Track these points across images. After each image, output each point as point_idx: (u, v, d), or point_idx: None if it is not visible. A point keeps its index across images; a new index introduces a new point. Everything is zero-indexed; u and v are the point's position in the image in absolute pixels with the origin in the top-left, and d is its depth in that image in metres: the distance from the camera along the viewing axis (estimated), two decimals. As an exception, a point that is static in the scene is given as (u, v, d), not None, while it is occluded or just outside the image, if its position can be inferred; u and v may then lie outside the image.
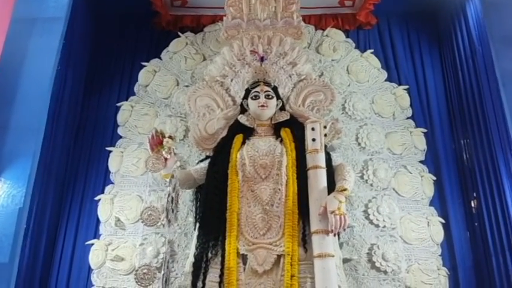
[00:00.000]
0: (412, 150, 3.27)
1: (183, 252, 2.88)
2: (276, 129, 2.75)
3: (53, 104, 2.88)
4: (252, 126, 2.75)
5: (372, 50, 3.53)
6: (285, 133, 2.67)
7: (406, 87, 3.44)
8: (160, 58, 3.44)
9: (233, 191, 2.50)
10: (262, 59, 2.84)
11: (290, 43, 2.92)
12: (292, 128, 2.71)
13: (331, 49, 3.50)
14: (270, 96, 2.75)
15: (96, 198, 3.09)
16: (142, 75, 3.38)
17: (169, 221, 2.41)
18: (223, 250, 2.39)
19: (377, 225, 3.00)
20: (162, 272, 2.26)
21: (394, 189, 3.13)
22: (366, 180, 3.13)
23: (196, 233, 2.55)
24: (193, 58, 3.42)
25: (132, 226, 2.99)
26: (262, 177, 2.52)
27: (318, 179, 2.41)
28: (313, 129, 2.54)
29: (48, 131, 2.80)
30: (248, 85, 2.83)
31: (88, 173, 3.22)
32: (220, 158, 2.66)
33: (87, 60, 3.46)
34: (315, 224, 2.29)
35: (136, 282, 2.25)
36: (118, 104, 3.34)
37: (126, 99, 3.35)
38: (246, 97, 2.82)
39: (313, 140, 2.51)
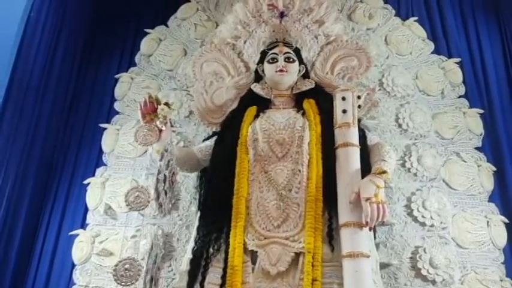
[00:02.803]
0: (466, 134, 2.67)
1: (183, 248, 2.39)
2: (298, 100, 2.26)
3: (37, 73, 2.48)
4: (268, 97, 2.27)
5: (416, 18, 2.97)
6: (309, 104, 2.18)
7: (458, 60, 2.85)
8: (166, 25, 3.00)
9: (242, 172, 2.03)
10: (282, 15, 2.34)
11: (317, -3, 2.41)
12: (318, 99, 2.21)
13: (367, 16, 2.95)
14: (291, 60, 2.26)
15: (85, 182, 2.65)
16: (145, 43, 2.94)
17: (160, 206, 1.93)
18: (228, 245, 1.92)
19: (423, 224, 2.41)
20: (145, 267, 1.77)
21: (444, 180, 2.54)
22: (409, 169, 2.55)
23: (196, 223, 2.10)
24: (205, 26, 2.95)
25: (124, 215, 2.51)
26: (279, 155, 2.04)
27: (350, 159, 1.92)
28: (343, 98, 2.06)
29: (29, 103, 2.39)
30: (264, 46, 2.34)
31: (79, 153, 2.79)
32: (228, 133, 2.19)
33: (86, 25, 3.05)
34: (344, 215, 1.81)
35: (115, 280, 1.76)
36: (116, 76, 2.91)
37: (127, 71, 2.92)
38: (261, 61, 2.33)
39: (344, 111, 2.04)
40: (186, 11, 3.00)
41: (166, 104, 2.08)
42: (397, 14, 3.00)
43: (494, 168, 2.58)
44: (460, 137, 2.67)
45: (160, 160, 1.95)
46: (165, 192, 1.96)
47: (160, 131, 2.04)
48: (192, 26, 2.96)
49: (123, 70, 2.94)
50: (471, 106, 2.75)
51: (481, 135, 2.67)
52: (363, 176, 1.88)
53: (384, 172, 1.90)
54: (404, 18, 2.98)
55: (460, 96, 2.78)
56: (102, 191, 2.59)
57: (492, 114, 2.73)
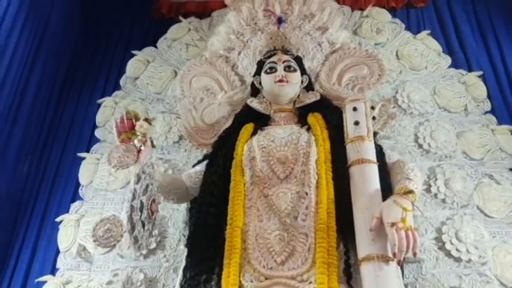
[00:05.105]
0: (497, 154, 2.34)
1: (170, 295, 2.00)
2: (301, 115, 1.95)
3: (9, 96, 2.20)
4: (266, 113, 1.96)
5: (429, 31, 2.71)
6: (314, 118, 1.87)
7: (480, 73, 2.57)
8: (155, 46, 2.75)
9: (236, 198, 1.69)
10: (280, 21, 2.09)
11: (318, 2, 2.18)
12: (324, 112, 1.90)
13: (374, 31, 2.71)
14: (292, 69, 1.97)
15: (58, 219, 2.29)
16: (131, 65, 2.68)
17: (136, 240, 1.55)
18: (220, 288, 1.53)
19: (458, 259, 2.03)
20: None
21: (478, 206, 2.18)
22: (435, 195, 2.19)
23: (183, 264, 1.72)
24: (197, 45, 2.69)
25: (101, 258, 2.14)
26: (281, 176, 1.71)
27: (367, 179, 1.59)
28: (355, 109, 1.77)
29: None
30: (261, 56, 2.06)
31: (54, 187, 2.45)
32: (220, 154, 1.86)
33: (70, 46, 2.82)
34: (365, 246, 1.46)
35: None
36: (99, 101, 2.63)
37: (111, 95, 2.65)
38: (258, 72, 2.05)
39: (356, 123, 1.74)
40: (177, 31, 2.77)
41: (146, 119, 1.77)
42: (407, 29, 2.76)
43: (535, 192, 2.21)
44: (491, 157, 2.34)
45: (136, 183, 1.60)
46: (142, 224, 1.59)
47: (139, 151, 1.71)
48: (183, 47, 2.72)
49: (108, 95, 2.67)
50: (500, 123, 2.43)
51: (514, 154, 2.33)
52: (384, 199, 1.53)
53: (411, 192, 1.55)
54: (415, 32, 2.74)
55: (486, 112, 2.47)
56: (76, 229, 2.23)
57: (525, 130, 2.40)
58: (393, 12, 2.84)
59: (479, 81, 2.54)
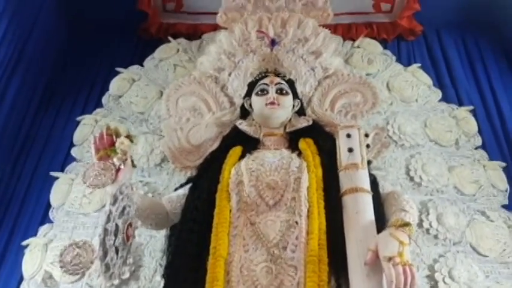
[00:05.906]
0: (489, 190, 2.28)
1: (142, 333, 1.82)
2: (292, 140, 1.85)
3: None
4: (256, 136, 1.86)
5: (419, 64, 2.71)
6: (306, 143, 1.78)
7: (471, 108, 2.55)
8: (142, 65, 2.66)
9: (221, 225, 1.55)
10: (273, 43, 2.03)
11: (313, 26, 2.13)
12: (316, 138, 1.81)
13: (365, 61, 2.69)
14: (284, 92, 1.90)
15: (24, 243, 2.10)
16: (115, 83, 2.56)
17: (107, 268, 1.40)
18: (200, 326, 1.40)
19: (451, 299, 1.91)
20: None
21: (470, 244, 2.09)
22: (428, 230, 2.10)
23: (159, 296, 1.56)
24: (185, 67, 2.60)
25: (68, 287, 1.95)
26: (270, 203, 1.59)
27: (360, 209, 1.50)
28: (348, 135, 1.70)
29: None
30: (252, 77, 1.99)
31: (23, 207, 2.26)
32: (206, 177, 1.74)
33: (52, 62, 2.69)
34: (358, 282, 1.35)
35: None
36: (78, 118, 2.49)
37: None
38: (248, 94, 1.97)
39: (350, 150, 1.66)
40: (165, 51, 2.69)
41: (127, 136, 1.66)
42: (398, 61, 2.75)
43: (528, 231, 2.14)
44: (483, 194, 2.27)
45: (113, 205, 1.47)
46: (115, 250, 1.45)
47: (118, 170, 1.59)
48: (170, 67, 2.63)
49: (88, 112, 2.54)
50: (491, 158, 2.39)
51: (506, 191, 2.28)
52: (378, 231, 1.43)
53: (407, 225, 1.45)
54: (406, 65, 2.73)
55: (477, 148, 2.43)
56: (43, 254, 2.03)
57: (517, 168, 2.36)
58: (384, 44, 2.83)
59: (470, 116, 2.52)
